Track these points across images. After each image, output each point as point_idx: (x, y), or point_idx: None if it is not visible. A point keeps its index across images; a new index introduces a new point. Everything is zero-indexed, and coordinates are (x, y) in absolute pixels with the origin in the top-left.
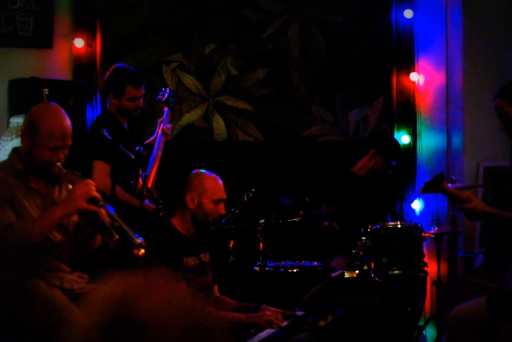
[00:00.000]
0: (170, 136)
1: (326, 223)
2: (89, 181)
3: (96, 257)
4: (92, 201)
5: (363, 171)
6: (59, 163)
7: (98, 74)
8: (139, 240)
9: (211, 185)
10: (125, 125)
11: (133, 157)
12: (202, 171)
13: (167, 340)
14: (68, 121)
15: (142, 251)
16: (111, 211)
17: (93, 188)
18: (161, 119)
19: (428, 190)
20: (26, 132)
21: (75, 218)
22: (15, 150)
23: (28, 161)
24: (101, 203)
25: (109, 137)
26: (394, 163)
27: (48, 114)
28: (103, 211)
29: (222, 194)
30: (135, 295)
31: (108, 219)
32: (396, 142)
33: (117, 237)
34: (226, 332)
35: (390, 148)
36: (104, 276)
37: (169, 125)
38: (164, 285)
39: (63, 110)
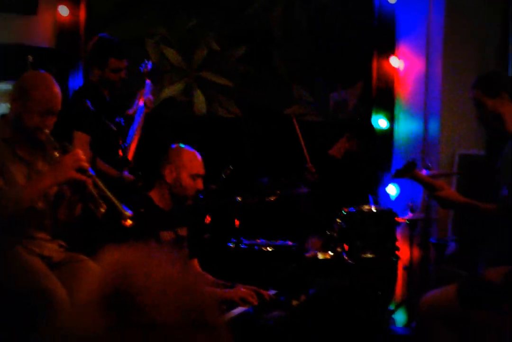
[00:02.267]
0: (150, 109)
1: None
2: (79, 150)
3: (75, 226)
4: (81, 170)
5: (339, 153)
6: (47, 131)
7: (82, 43)
8: (128, 213)
9: (190, 160)
10: (107, 97)
11: (115, 128)
12: (182, 145)
13: (162, 315)
14: (58, 89)
15: (130, 222)
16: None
17: (83, 158)
18: (142, 91)
19: (400, 176)
20: (17, 98)
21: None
22: (2, 117)
23: (16, 127)
24: (89, 174)
25: (92, 108)
26: (368, 145)
27: (40, 81)
28: (90, 181)
29: (200, 169)
30: (130, 269)
31: (96, 190)
32: (370, 124)
33: (104, 207)
34: (213, 306)
35: (364, 131)
36: (97, 251)
37: (151, 97)
38: (158, 260)
39: (53, 78)
